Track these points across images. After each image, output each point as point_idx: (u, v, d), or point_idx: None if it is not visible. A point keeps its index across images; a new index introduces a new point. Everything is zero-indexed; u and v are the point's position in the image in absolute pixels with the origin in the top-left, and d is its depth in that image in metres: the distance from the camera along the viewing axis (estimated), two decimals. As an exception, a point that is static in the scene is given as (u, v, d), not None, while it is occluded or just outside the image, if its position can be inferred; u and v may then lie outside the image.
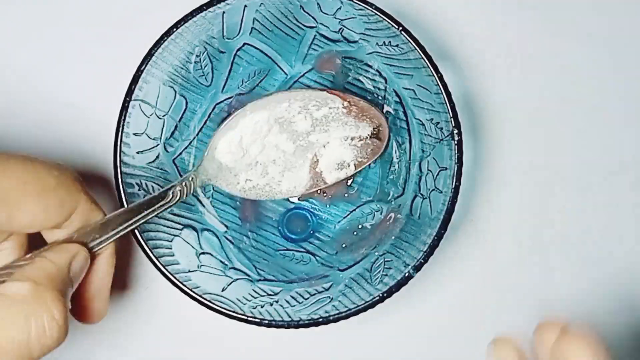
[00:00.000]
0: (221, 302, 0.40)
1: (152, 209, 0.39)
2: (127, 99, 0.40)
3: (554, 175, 0.47)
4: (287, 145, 0.44)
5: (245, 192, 0.44)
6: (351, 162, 0.45)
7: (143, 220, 0.39)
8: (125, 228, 0.39)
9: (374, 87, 0.45)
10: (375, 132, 0.44)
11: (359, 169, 0.45)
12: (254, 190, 0.44)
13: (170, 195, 0.41)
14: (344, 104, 0.44)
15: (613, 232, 0.47)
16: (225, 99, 0.45)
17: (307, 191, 0.45)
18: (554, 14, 0.47)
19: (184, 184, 0.41)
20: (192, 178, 0.42)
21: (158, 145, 0.43)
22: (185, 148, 0.44)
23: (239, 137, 0.43)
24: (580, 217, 0.47)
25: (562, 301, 0.46)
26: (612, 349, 0.32)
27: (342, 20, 0.42)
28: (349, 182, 0.46)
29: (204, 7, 0.40)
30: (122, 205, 0.40)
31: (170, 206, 0.40)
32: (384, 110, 0.45)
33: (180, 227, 0.43)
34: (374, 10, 0.40)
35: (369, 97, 0.45)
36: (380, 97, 0.45)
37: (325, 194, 0.46)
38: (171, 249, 0.41)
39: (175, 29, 0.40)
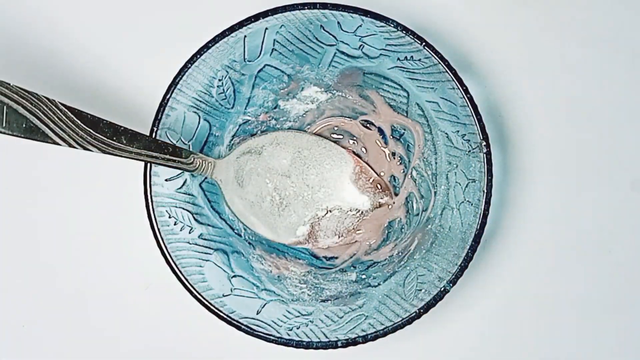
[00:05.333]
0: (258, 325, 0.40)
1: (171, 157, 0.39)
2: (155, 128, 0.40)
3: (584, 181, 0.46)
4: (295, 189, 0.45)
5: (241, 213, 0.44)
6: (345, 232, 0.45)
7: (156, 161, 0.39)
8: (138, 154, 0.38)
9: (396, 101, 0.45)
10: (373, 208, 0.45)
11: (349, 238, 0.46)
12: (252, 211, 0.44)
13: (192, 160, 0.40)
14: (355, 170, 0.45)
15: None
16: (247, 121, 0.45)
17: (299, 243, 0.45)
18: (578, 23, 0.47)
19: (204, 161, 0.41)
20: (211, 163, 0.42)
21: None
22: None
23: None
24: (617, 225, 0.46)
25: (601, 311, 0.46)
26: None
27: (362, 37, 0.42)
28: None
29: (227, 33, 0.40)
30: (155, 236, 0.40)
31: (182, 168, 0.40)
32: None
33: (211, 251, 0.43)
34: (396, 27, 0.40)
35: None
36: (403, 111, 0.45)
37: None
38: (204, 274, 0.42)
39: (198, 56, 0.40)
